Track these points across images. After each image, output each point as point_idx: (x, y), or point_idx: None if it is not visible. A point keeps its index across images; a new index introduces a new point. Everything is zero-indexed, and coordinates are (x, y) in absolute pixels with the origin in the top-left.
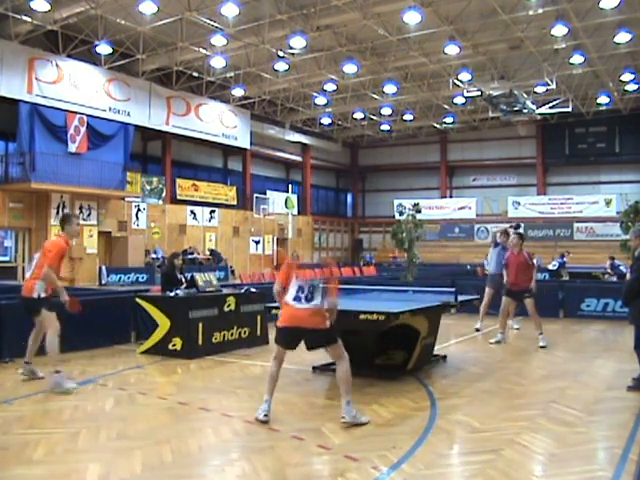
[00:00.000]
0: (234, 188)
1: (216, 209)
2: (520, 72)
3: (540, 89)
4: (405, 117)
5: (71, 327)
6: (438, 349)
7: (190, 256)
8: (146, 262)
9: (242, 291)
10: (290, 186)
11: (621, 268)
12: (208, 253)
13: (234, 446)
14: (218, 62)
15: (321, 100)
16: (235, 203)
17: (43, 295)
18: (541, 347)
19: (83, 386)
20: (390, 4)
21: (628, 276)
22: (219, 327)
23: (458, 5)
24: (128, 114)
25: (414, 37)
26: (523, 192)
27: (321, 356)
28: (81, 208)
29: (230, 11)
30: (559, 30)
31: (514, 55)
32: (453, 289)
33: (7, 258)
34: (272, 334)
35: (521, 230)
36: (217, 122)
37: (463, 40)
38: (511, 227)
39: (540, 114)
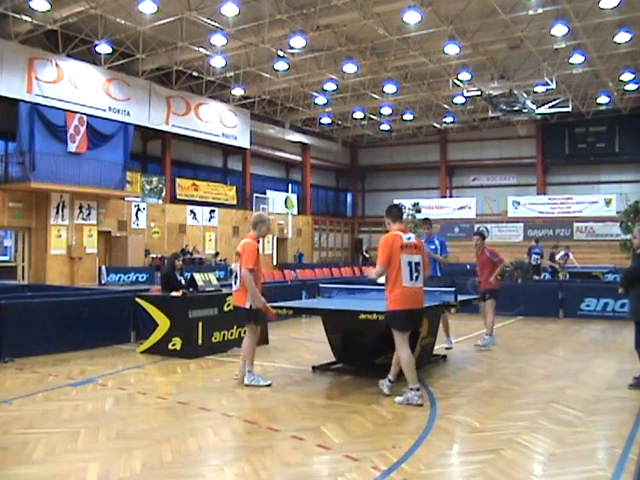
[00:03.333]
0: (234, 188)
1: (216, 209)
2: (520, 72)
3: (540, 89)
4: (405, 117)
5: (71, 327)
6: (438, 349)
7: (190, 256)
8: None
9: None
10: (290, 186)
11: None
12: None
13: (234, 446)
14: (218, 62)
15: (321, 100)
16: (235, 203)
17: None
18: (476, 345)
19: (83, 386)
20: (390, 4)
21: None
22: (219, 327)
23: (458, 5)
24: (128, 114)
25: (414, 37)
26: (523, 192)
27: (321, 356)
28: (81, 208)
29: (230, 11)
30: (559, 30)
31: (514, 55)
32: (453, 289)
33: (7, 258)
34: (272, 334)
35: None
36: (217, 122)
37: (463, 40)
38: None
39: (540, 114)
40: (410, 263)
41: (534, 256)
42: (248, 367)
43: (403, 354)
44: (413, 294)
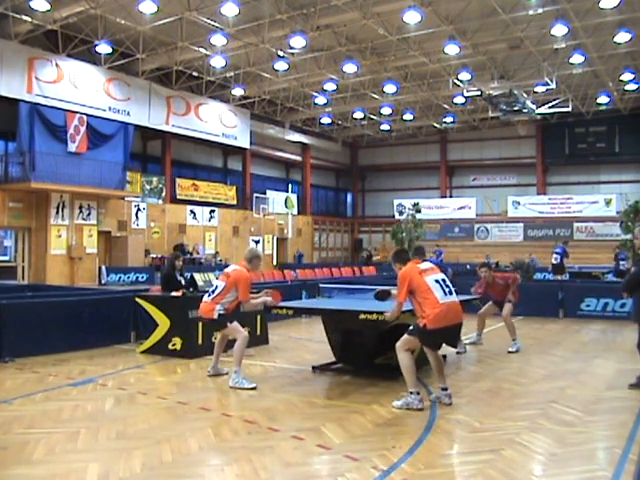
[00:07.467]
0: (234, 188)
1: (216, 209)
2: (520, 72)
3: (540, 89)
4: (405, 117)
5: (71, 327)
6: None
7: (190, 256)
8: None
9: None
10: (290, 186)
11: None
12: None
13: (234, 446)
14: (218, 62)
15: (321, 100)
16: (235, 203)
17: (222, 313)
18: (509, 352)
19: (83, 386)
20: (390, 4)
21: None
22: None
23: (458, 5)
24: (128, 114)
25: (414, 37)
26: (523, 192)
27: (321, 356)
28: (81, 208)
29: (230, 11)
30: (559, 30)
31: (514, 55)
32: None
33: (7, 258)
34: (272, 334)
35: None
36: (217, 122)
37: (463, 40)
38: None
39: (540, 114)
40: (437, 280)
41: (554, 255)
42: (235, 367)
43: (404, 358)
44: (451, 309)
